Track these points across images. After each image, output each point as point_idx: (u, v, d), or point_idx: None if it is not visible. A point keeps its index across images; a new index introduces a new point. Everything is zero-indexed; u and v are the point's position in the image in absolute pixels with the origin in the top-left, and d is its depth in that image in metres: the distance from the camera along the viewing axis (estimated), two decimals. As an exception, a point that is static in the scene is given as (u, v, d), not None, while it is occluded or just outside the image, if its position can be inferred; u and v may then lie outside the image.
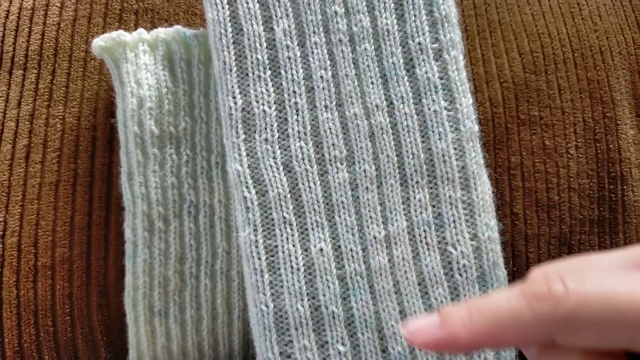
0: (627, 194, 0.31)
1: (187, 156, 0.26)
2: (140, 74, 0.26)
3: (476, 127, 0.24)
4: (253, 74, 0.24)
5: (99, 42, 0.26)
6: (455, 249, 0.23)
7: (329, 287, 0.23)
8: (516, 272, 0.29)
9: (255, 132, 0.24)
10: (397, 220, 0.23)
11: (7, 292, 0.26)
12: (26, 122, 0.28)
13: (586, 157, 0.30)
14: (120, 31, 0.26)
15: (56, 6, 0.30)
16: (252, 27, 0.24)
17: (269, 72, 0.24)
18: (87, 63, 0.29)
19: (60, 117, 0.28)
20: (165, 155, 0.25)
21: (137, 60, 0.26)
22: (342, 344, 0.23)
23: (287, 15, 0.24)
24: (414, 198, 0.23)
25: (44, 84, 0.29)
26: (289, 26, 0.24)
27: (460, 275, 0.23)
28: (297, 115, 0.24)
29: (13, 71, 0.29)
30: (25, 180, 0.27)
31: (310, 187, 0.23)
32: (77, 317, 0.27)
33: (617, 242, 0.30)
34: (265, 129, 0.24)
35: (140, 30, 0.26)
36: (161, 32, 0.26)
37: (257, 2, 0.24)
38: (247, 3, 0.24)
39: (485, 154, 0.26)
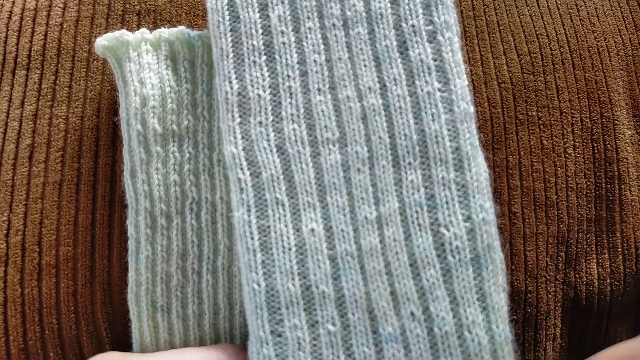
0: (624, 193, 0.31)
1: (189, 154, 0.26)
2: (144, 73, 0.26)
3: (471, 108, 0.24)
4: (249, 59, 0.24)
5: (102, 42, 0.26)
6: (448, 230, 0.23)
7: (319, 266, 0.23)
8: (514, 270, 0.29)
9: (250, 116, 0.24)
10: (388, 201, 0.23)
11: (11, 291, 0.27)
12: (29, 122, 0.28)
13: (584, 156, 0.31)
14: (123, 30, 0.26)
15: (59, 7, 0.30)
16: (248, 14, 0.25)
17: (264, 57, 0.24)
18: (90, 63, 0.29)
19: (63, 117, 0.28)
20: (167, 153, 0.26)
21: (140, 60, 0.26)
22: (332, 323, 0.23)
23: (282, 2, 0.25)
24: (406, 179, 0.23)
25: (47, 84, 0.29)
26: (283, 12, 0.25)
27: (453, 257, 0.23)
28: (291, 98, 0.24)
29: (16, 71, 0.29)
30: (29, 179, 0.28)
31: (302, 169, 0.24)
32: (81, 314, 0.27)
33: (614, 241, 0.31)
34: (260, 112, 0.24)
35: (143, 29, 0.27)
36: (164, 32, 0.26)
37: None
38: None
39: (485, 153, 0.26)
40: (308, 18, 0.25)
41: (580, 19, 0.33)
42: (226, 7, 0.25)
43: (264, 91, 0.24)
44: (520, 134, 0.30)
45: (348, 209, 0.23)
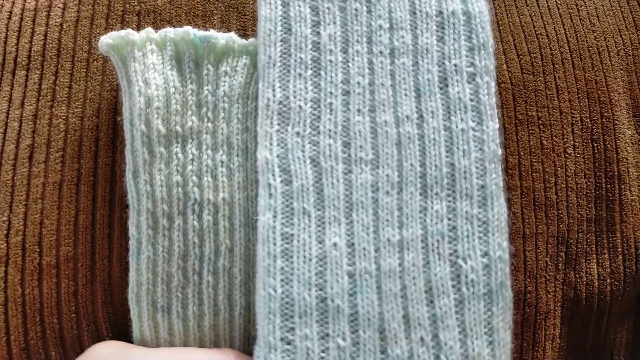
0: (624, 193, 0.31)
1: (192, 155, 0.26)
2: (148, 73, 0.26)
3: (499, 151, 0.25)
4: (295, 71, 0.25)
5: (106, 40, 0.26)
6: (466, 263, 0.24)
7: (337, 281, 0.23)
8: (514, 270, 0.29)
9: (288, 125, 0.24)
10: (412, 226, 0.24)
11: (12, 291, 0.27)
12: (29, 122, 0.28)
13: (584, 156, 0.31)
14: (129, 30, 0.26)
15: (59, 7, 0.30)
16: (300, 28, 0.25)
17: (309, 72, 0.25)
18: (89, 64, 0.29)
19: (63, 117, 0.28)
20: (171, 153, 0.26)
21: (145, 60, 0.26)
22: (343, 338, 0.23)
23: (335, 23, 0.26)
24: (432, 208, 0.24)
25: (47, 85, 0.29)
26: (334, 32, 0.25)
27: (467, 289, 0.23)
28: (331, 114, 0.25)
29: (16, 72, 0.29)
30: (29, 179, 0.28)
31: (333, 183, 0.24)
32: (82, 314, 0.27)
33: (614, 241, 0.31)
34: (299, 123, 0.24)
35: (149, 29, 0.26)
36: (170, 31, 0.26)
37: (309, 7, 0.26)
38: (300, 7, 0.26)
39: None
40: (357, 42, 0.25)
41: (580, 19, 0.33)
42: (280, 18, 0.25)
43: (306, 103, 0.25)
44: (520, 134, 0.30)
45: (372, 229, 0.24)
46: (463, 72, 0.25)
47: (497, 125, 0.25)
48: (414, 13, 0.26)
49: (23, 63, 0.29)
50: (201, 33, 0.26)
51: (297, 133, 0.24)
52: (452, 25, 0.26)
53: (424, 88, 0.25)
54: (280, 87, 0.25)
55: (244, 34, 0.30)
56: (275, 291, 0.23)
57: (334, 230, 0.24)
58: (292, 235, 0.23)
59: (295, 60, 0.25)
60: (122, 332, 0.27)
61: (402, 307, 0.23)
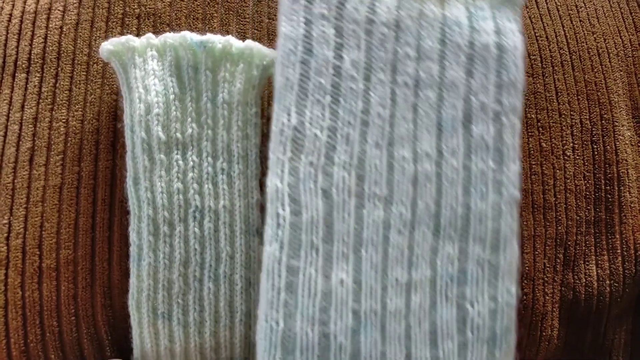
0: (623, 194, 0.31)
1: (193, 162, 0.26)
2: (148, 80, 0.26)
3: (518, 194, 0.24)
4: (313, 96, 0.23)
5: (107, 46, 0.26)
6: (473, 307, 0.23)
7: (342, 318, 0.23)
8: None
9: (302, 153, 0.23)
10: (421, 267, 0.23)
11: (12, 294, 0.27)
12: (30, 125, 0.28)
13: (583, 158, 0.31)
14: (129, 36, 0.26)
15: (59, 10, 0.30)
16: (322, 51, 0.24)
17: (328, 98, 0.24)
18: (89, 67, 0.29)
19: (63, 120, 0.29)
20: (171, 160, 0.26)
21: (146, 66, 0.26)
22: None
23: (359, 47, 0.24)
24: (443, 249, 0.23)
25: (47, 88, 0.29)
26: (358, 58, 0.24)
27: (472, 333, 0.23)
28: (347, 145, 0.23)
29: (16, 74, 0.29)
30: (29, 182, 0.28)
31: (343, 218, 0.23)
32: (82, 317, 0.27)
33: (614, 243, 0.31)
34: (313, 152, 0.23)
35: (149, 35, 0.26)
36: (169, 37, 0.26)
37: (333, 27, 0.24)
38: (324, 27, 0.24)
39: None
40: (381, 69, 0.24)
41: (580, 21, 0.33)
42: (302, 37, 0.24)
43: (322, 132, 0.23)
44: (519, 136, 0.30)
45: (380, 267, 0.23)
46: (489, 110, 0.24)
47: (518, 168, 0.24)
48: (444, 42, 0.24)
49: (23, 66, 0.29)
50: (198, 38, 0.26)
51: (311, 163, 0.23)
52: (482, 58, 0.24)
53: (447, 124, 0.24)
54: (296, 112, 0.23)
55: (243, 37, 0.30)
56: (278, 325, 0.22)
57: (341, 266, 0.23)
58: (298, 268, 0.23)
59: (314, 85, 0.23)
60: (121, 335, 0.27)
61: (405, 347, 0.23)
